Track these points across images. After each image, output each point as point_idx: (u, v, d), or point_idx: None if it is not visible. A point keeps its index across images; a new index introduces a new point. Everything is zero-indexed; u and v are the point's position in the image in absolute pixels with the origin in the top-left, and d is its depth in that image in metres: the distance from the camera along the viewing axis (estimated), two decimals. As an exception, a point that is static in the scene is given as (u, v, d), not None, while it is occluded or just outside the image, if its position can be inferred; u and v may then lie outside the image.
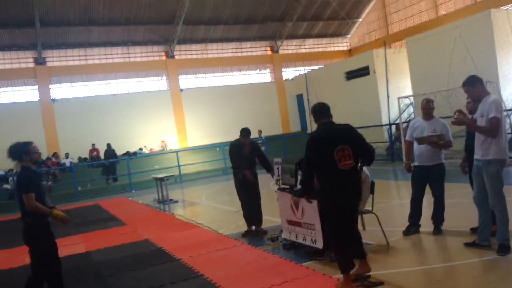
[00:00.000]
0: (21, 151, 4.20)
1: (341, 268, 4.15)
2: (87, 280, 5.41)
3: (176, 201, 11.98)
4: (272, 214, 7.33)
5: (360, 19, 26.11)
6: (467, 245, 4.94)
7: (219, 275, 4.93)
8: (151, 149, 20.56)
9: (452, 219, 5.88)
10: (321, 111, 4.39)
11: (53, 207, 4.30)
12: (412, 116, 16.33)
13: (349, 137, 4.26)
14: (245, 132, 7.06)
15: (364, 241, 4.78)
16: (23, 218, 4.16)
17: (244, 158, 7.04)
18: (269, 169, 6.95)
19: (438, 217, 5.71)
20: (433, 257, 4.98)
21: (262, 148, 13.73)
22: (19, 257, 7.27)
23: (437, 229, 5.69)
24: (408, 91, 16.87)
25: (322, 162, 4.17)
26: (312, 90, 20.88)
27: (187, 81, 23.03)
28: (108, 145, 18.37)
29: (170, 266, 5.61)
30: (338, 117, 4.78)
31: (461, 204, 6.65)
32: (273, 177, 6.73)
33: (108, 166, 18.06)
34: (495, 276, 4.20)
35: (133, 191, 16.18)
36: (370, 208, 5.61)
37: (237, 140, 7.16)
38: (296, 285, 4.38)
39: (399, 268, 4.55)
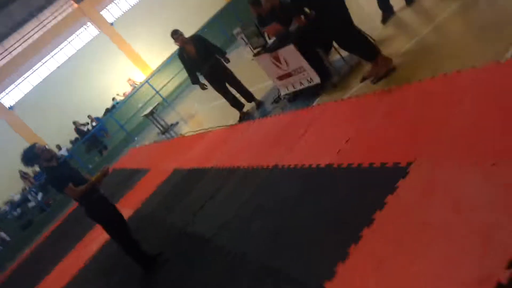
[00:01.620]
0: (31, 159, 4.15)
1: (372, 54, 4.33)
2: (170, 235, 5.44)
3: (177, 123, 12.03)
4: (261, 80, 7.33)
5: None
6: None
7: (262, 153, 5.07)
8: (124, 93, 20.17)
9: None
10: None
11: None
12: None
13: None
14: (172, 34, 6.89)
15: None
16: (80, 203, 4.25)
17: (194, 61, 6.91)
18: (220, 53, 6.87)
19: None
20: (420, 26, 4.98)
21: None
22: (87, 247, 7.66)
23: (409, 0, 5.61)
24: None
25: None
26: None
27: (111, 12, 21.64)
28: (74, 124, 17.79)
29: (212, 175, 5.79)
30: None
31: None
32: (225, 61, 6.83)
33: (90, 142, 17.65)
34: (482, 8, 4.23)
35: (136, 138, 16.25)
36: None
37: (179, 48, 6.98)
38: (322, 123, 4.47)
39: (399, 50, 4.58)
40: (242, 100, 7.13)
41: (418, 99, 3.43)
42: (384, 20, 5.72)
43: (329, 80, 5.19)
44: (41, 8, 20.13)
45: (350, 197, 2.94)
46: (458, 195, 2.27)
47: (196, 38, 7.04)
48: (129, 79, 20.33)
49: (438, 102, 3.17)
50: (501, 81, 2.86)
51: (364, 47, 4.39)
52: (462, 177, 2.36)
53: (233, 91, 7.11)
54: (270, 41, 5.88)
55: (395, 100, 3.70)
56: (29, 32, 20.04)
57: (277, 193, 3.83)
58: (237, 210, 4.09)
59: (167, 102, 17.09)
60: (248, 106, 7.18)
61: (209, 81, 7.08)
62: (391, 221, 2.45)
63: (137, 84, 20.04)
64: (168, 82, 18.12)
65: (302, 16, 4.46)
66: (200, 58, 6.83)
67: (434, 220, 2.24)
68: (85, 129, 18.20)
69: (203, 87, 7.15)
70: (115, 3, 21.78)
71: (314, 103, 5.11)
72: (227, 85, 7.02)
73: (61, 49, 20.62)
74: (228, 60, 6.93)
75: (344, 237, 2.59)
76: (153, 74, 19.39)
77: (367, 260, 2.33)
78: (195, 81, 7.11)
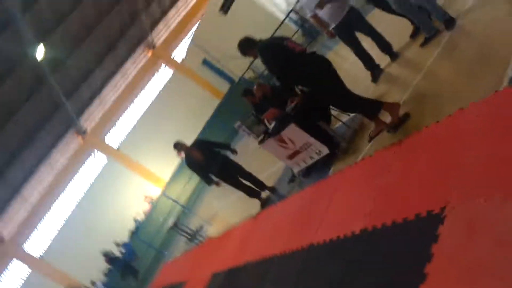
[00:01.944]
0: None
1: (372, 111, 4.37)
2: None
3: (201, 226, 11.99)
4: (273, 163, 7.42)
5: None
6: (422, 45, 5.13)
7: (291, 241, 5.00)
8: (143, 211, 20.33)
9: (395, 37, 6.04)
10: (252, 41, 4.79)
11: None
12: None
13: None
14: (174, 148, 7.29)
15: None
16: None
17: (203, 165, 7.16)
18: (225, 148, 7.19)
19: (384, 46, 5.86)
20: (410, 76, 5.15)
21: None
22: None
23: (393, 55, 5.85)
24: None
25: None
26: (208, 44, 20.46)
27: (113, 137, 22.51)
28: (105, 255, 17.16)
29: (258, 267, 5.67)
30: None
31: (389, 22, 6.81)
32: (233, 153, 7.15)
33: (123, 269, 17.12)
34: (463, 47, 4.41)
35: (166, 253, 16.06)
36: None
37: (185, 157, 7.24)
38: (343, 190, 4.46)
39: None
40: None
41: (430, 145, 3.46)
42: (375, 79, 5.92)
43: (338, 148, 5.26)
44: (49, 149, 20.85)
45: (395, 257, 2.86)
46: (503, 229, 2.22)
47: (199, 143, 7.35)
48: (146, 197, 20.62)
49: (450, 143, 3.19)
50: (505, 109, 2.91)
51: (363, 105, 4.51)
52: (501, 210, 2.32)
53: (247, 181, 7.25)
54: (271, 126, 6.05)
55: (408, 150, 3.72)
56: (40, 178, 20.71)
57: (320, 273, 3.73)
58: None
59: (187, 209, 17.14)
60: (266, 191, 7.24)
61: (221, 179, 7.24)
62: (444, 271, 2.37)
63: (154, 199, 20.29)
64: (183, 188, 18.37)
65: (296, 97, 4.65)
66: (207, 159, 7.06)
67: (487, 258, 2.18)
68: (114, 257, 18.07)
69: (218, 184, 7.29)
70: (117, 128, 22.72)
71: (330, 173, 5.14)
72: (239, 178, 7.18)
73: (74, 187, 21.18)
74: (235, 152, 7.15)
75: (403, 300, 2.49)
76: (167, 186, 19.70)
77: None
78: (209, 182, 7.26)
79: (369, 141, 4.58)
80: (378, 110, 4.37)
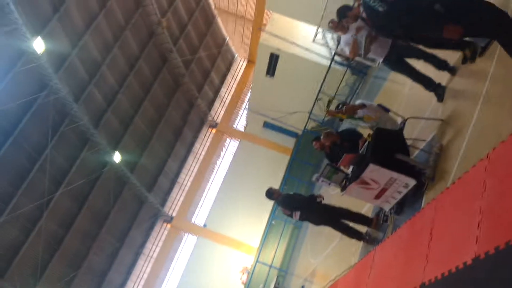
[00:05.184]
0: None
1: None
2: None
3: (302, 287, 11.71)
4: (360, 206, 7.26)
5: None
6: (480, 54, 4.94)
7: (411, 276, 4.78)
8: (242, 282, 20.28)
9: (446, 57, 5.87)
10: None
11: None
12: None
13: None
14: (269, 197, 7.38)
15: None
16: None
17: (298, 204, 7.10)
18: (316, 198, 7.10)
19: (440, 63, 5.68)
20: (476, 86, 4.94)
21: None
22: None
23: (451, 70, 5.66)
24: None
25: None
26: (264, 107, 20.92)
27: (198, 217, 23.16)
28: None
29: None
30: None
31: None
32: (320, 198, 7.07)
33: None
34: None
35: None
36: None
37: (279, 203, 7.26)
38: (442, 219, 4.24)
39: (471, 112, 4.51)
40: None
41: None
42: (440, 98, 5.74)
43: (424, 176, 5.07)
44: (142, 243, 21.85)
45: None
46: None
47: (286, 200, 7.31)
48: (243, 268, 20.60)
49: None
50: None
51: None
52: None
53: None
54: (349, 171, 5.98)
55: (498, 163, 3.51)
56: (141, 269, 21.57)
57: (442, 312, 3.50)
58: None
59: (284, 271, 16.88)
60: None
61: (323, 225, 7.16)
62: None
63: (250, 269, 20.21)
64: (276, 250, 18.20)
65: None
66: (303, 214, 7.01)
67: None
68: None
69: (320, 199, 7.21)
70: (200, 207, 23.46)
71: (423, 205, 4.92)
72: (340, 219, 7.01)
73: (171, 271, 21.75)
74: (322, 197, 7.08)
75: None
76: (259, 252, 19.64)
77: None
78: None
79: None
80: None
